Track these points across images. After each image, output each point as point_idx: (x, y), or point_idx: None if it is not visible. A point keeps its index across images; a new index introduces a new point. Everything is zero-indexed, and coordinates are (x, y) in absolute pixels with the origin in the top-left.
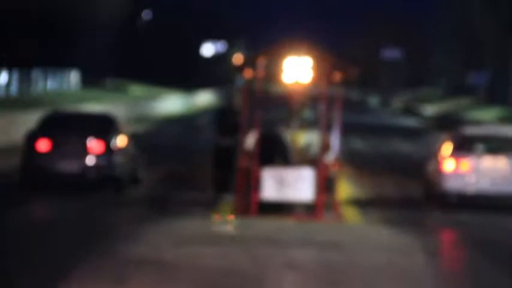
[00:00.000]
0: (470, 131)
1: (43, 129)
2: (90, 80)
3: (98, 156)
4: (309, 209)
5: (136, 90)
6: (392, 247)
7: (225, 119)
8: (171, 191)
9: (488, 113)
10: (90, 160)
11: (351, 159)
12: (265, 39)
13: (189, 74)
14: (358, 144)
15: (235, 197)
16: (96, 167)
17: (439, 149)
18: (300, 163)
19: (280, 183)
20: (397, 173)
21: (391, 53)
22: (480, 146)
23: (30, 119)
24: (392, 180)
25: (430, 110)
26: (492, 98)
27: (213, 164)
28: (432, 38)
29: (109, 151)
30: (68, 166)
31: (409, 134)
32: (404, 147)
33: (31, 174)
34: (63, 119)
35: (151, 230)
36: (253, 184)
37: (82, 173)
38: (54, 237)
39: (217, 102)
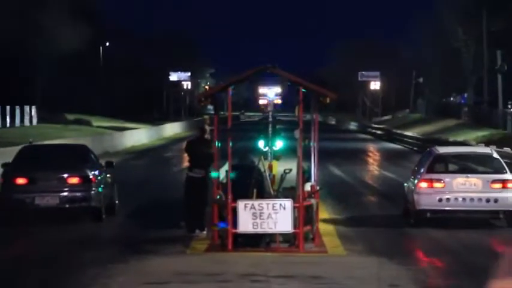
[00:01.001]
0: (442, 150)
1: (20, 162)
2: (50, 116)
3: (75, 189)
4: (289, 241)
5: (100, 123)
6: (377, 279)
7: (196, 150)
8: (141, 227)
9: (472, 135)
10: (67, 193)
11: (331, 187)
12: (237, 64)
13: (154, 106)
14: (336, 170)
15: (209, 232)
16: (73, 199)
17: (414, 168)
18: (277, 193)
19: (257, 215)
20: (379, 197)
21: (370, 75)
22: (453, 165)
23: None
24: (375, 206)
25: (413, 133)
26: (476, 120)
27: (184, 197)
28: (413, 62)
29: (86, 182)
30: (45, 200)
31: (393, 157)
32: (387, 170)
33: (8, 207)
34: (39, 152)
35: (122, 270)
36: (228, 217)
37: (60, 206)
38: (23, 275)
39: (185, 132)
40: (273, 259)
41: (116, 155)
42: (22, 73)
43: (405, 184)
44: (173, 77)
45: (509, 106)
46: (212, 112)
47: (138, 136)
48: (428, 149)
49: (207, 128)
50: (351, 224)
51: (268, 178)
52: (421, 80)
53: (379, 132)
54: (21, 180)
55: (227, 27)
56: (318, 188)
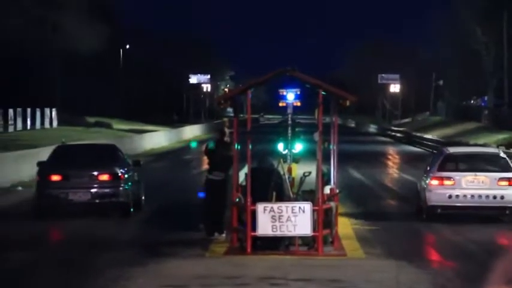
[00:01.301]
0: (452, 150)
1: (54, 161)
2: (70, 118)
3: (105, 185)
4: (308, 244)
5: (120, 126)
6: (396, 283)
7: (216, 152)
8: (160, 230)
9: (492, 138)
10: (97, 189)
11: (350, 190)
12: (256, 66)
13: (173, 109)
14: (356, 173)
15: (228, 235)
16: (103, 195)
17: (426, 167)
18: (297, 196)
19: (276, 218)
20: (398, 200)
21: (390, 77)
22: (462, 164)
23: (9, 158)
24: (394, 209)
25: (433, 135)
26: (497, 122)
27: (204, 200)
28: (433, 64)
29: (115, 179)
30: (78, 195)
31: (412, 160)
32: (407, 173)
33: (44, 202)
34: (72, 151)
35: (141, 273)
36: (248, 220)
37: (91, 201)
38: (43, 276)
39: (205, 135)
40: (292, 262)
41: (136, 158)
42: (42, 75)
43: (418, 183)
44: (193, 79)
45: None
46: (232, 114)
47: (158, 139)
48: (439, 149)
49: (227, 130)
50: (370, 227)
51: (287, 181)
52: (441, 82)
53: (398, 135)
54: (55, 177)
55: (246, 30)
56: (337, 191)
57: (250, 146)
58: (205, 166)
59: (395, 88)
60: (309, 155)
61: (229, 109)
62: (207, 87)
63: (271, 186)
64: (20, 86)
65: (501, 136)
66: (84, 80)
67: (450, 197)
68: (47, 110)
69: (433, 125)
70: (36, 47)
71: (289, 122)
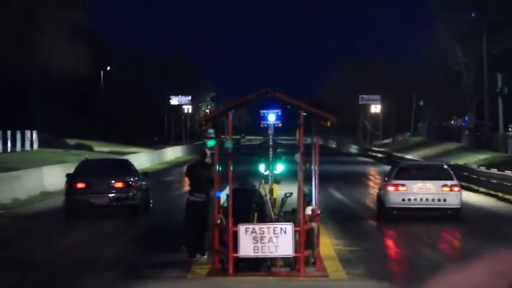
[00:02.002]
0: (406, 163)
1: (79, 172)
2: (51, 140)
3: (120, 191)
4: (290, 265)
5: (101, 148)
6: None
7: (197, 174)
8: (142, 251)
9: (473, 158)
10: (114, 194)
11: (332, 210)
12: (237, 87)
13: (154, 130)
14: (337, 194)
15: (210, 256)
16: (119, 199)
17: (385, 177)
18: (278, 217)
19: (258, 239)
20: (379, 220)
21: (370, 98)
22: (413, 174)
23: None
24: (375, 229)
25: (414, 156)
26: (477, 143)
27: (185, 221)
28: (414, 85)
29: (128, 186)
30: (98, 200)
31: None
32: None
33: (71, 205)
34: (93, 164)
35: None
36: (230, 242)
37: (109, 204)
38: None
39: (187, 156)
40: (274, 283)
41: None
42: (22, 98)
43: (378, 190)
44: (174, 101)
45: (510, 129)
46: (213, 136)
47: (139, 160)
48: (395, 162)
49: (208, 152)
50: (352, 247)
51: (269, 202)
52: (421, 103)
53: (379, 155)
54: (80, 185)
55: (226, 51)
56: (319, 211)
57: (231, 167)
58: (187, 187)
59: (376, 109)
60: (290, 175)
61: (211, 130)
62: (188, 108)
63: (252, 207)
64: (0, 109)
65: (482, 156)
66: (64, 101)
67: (404, 200)
68: (28, 133)
69: (414, 145)
70: (16, 70)
71: (271, 142)
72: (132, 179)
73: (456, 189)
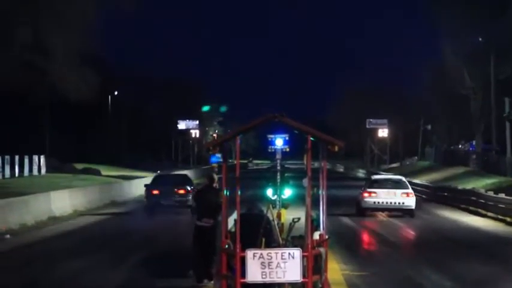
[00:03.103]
0: (376, 177)
1: (154, 182)
2: (58, 165)
3: (181, 196)
4: None
5: (108, 172)
6: None
7: (204, 198)
8: (150, 276)
9: (481, 183)
10: (177, 198)
11: (340, 235)
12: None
13: (162, 155)
14: (345, 218)
15: (218, 282)
16: (180, 201)
17: (362, 187)
18: (286, 242)
19: (266, 264)
20: (387, 245)
21: (378, 122)
22: (381, 184)
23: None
24: (383, 254)
25: (421, 180)
26: (485, 167)
27: (193, 246)
28: (421, 108)
29: (187, 192)
30: (166, 201)
31: None
32: (395, 218)
33: (149, 205)
34: (163, 177)
35: None
36: (237, 267)
37: (174, 205)
38: None
39: (194, 180)
40: None
41: (125, 204)
42: (31, 123)
43: (358, 196)
44: (181, 125)
45: None
46: (220, 160)
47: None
48: (369, 176)
49: (215, 176)
50: (360, 272)
51: (276, 227)
52: (429, 127)
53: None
54: (155, 192)
55: (234, 76)
56: (326, 236)
57: (239, 192)
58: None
59: (383, 133)
60: (298, 200)
61: (218, 155)
62: (195, 133)
63: (260, 232)
64: (9, 133)
65: (489, 181)
66: (72, 126)
67: (374, 202)
68: (36, 157)
69: (422, 169)
70: (26, 95)
71: (278, 167)
72: (189, 188)
73: (411, 195)
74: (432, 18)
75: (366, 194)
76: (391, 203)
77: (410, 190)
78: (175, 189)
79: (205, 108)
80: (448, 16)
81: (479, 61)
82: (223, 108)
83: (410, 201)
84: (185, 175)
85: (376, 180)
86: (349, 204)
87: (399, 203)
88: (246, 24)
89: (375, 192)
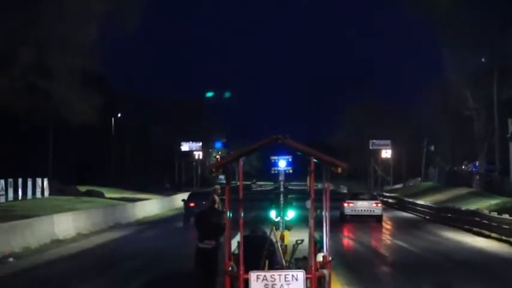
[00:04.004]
0: (355, 191)
1: (190, 197)
2: (62, 188)
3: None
4: None
5: (112, 195)
6: None
7: (206, 220)
8: None
9: (484, 203)
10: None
11: (343, 257)
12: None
13: (165, 176)
14: (349, 240)
15: None
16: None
17: (343, 198)
18: (289, 264)
19: (269, 286)
20: (391, 267)
21: (381, 143)
22: (358, 197)
23: (0, 229)
24: (387, 276)
25: (425, 201)
26: (488, 188)
27: (195, 269)
28: (424, 129)
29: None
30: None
31: (405, 226)
32: (399, 240)
33: (187, 215)
34: (197, 194)
35: None
36: None
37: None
38: None
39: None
40: None
41: (128, 226)
42: (34, 145)
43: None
44: (184, 147)
45: None
46: (224, 182)
47: (150, 207)
48: (349, 191)
49: (217, 198)
50: None
51: (280, 249)
52: (432, 148)
53: (390, 200)
54: (191, 204)
55: (238, 96)
56: (330, 258)
57: (242, 214)
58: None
59: (386, 154)
60: (301, 222)
61: (221, 176)
62: (198, 154)
63: (263, 254)
64: (12, 156)
65: (493, 201)
66: (75, 148)
67: (352, 210)
68: (39, 180)
69: (425, 190)
70: (28, 117)
71: (281, 189)
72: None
73: (379, 205)
74: (435, 38)
75: (346, 204)
76: (364, 210)
77: (378, 201)
78: (205, 202)
79: (209, 94)
80: (451, 37)
81: (482, 82)
82: (227, 94)
83: (378, 210)
84: (211, 192)
85: (354, 194)
86: (352, 225)
87: (370, 211)
88: (247, 44)
89: (352, 203)
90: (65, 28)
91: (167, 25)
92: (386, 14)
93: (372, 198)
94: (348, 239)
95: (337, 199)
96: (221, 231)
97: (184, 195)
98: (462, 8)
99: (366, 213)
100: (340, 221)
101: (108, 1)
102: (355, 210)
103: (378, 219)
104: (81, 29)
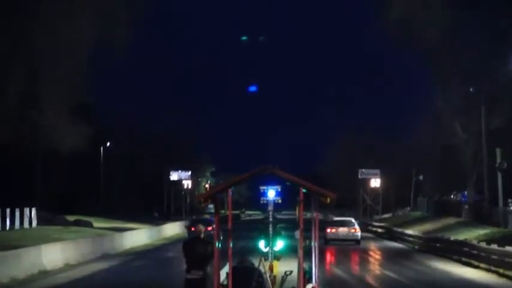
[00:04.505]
0: (335, 219)
1: (192, 221)
2: (50, 217)
3: (207, 231)
4: None
5: (100, 224)
6: None
7: (193, 250)
8: None
9: (473, 233)
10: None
11: (332, 287)
12: (237, 161)
13: (154, 205)
14: (337, 270)
15: None
16: (209, 234)
17: (326, 223)
18: None
19: None
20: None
21: (370, 172)
22: (338, 223)
23: None
24: None
25: (414, 231)
26: (477, 218)
27: None
28: (413, 159)
29: (212, 229)
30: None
31: (394, 256)
32: (389, 270)
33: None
34: (198, 220)
35: None
36: None
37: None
38: None
39: (186, 232)
40: None
41: (117, 257)
42: (22, 175)
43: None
44: (174, 176)
45: (510, 204)
46: (213, 211)
47: (139, 237)
48: (330, 218)
49: (202, 228)
50: None
51: (269, 280)
52: (421, 177)
53: (379, 230)
54: (193, 229)
55: (227, 125)
56: None
57: (231, 244)
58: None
59: (375, 183)
60: (290, 252)
61: (211, 205)
62: (187, 183)
63: (252, 285)
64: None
65: (482, 231)
66: (64, 178)
67: (333, 235)
68: (27, 210)
69: (414, 220)
70: (17, 147)
71: (270, 219)
72: (213, 226)
73: (357, 230)
74: (424, 68)
75: (328, 230)
76: (344, 235)
77: (357, 227)
78: (206, 227)
79: (244, 37)
80: (439, 67)
81: (470, 112)
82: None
83: (357, 235)
84: (211, 219)
85: (335, 221)
86: (341, 255)
87: (350, 235)
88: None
89: (334, 228)
90: (55, 58)
91: (159, 55)
92: (376, 46)
93: (351, 223)
94: (337, 269)
95: (326, 228)
96: (208, 260)
97: (174, 225)
98: (451, 39)
99: (346, 237)
100: (323, 244)
101: (98, 30)
102: (337, 235)
103: (357, 242)
104: (71, 59)
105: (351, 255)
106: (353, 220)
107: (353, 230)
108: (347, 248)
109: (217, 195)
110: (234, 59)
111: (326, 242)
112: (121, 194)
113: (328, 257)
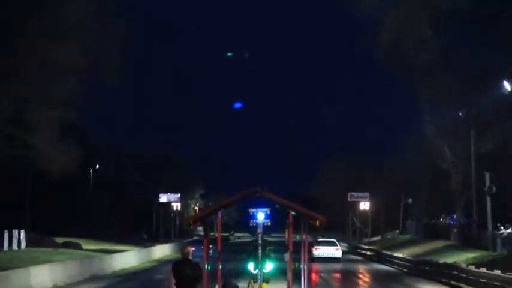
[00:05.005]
0: (320, 239)
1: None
2: (39, 239)
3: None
4: None
5: (89, 246)
6: None
7: (181, 272)
8: None
9: (462, 257)
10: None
11: None
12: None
13: (143, 227)
14: None
15: None
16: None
17: (313, 243)
18: None
19: None
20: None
21: (359, 195)
22: (323, 244)
23: None
24: None
25: (403, 254)
26: (466, 241)
27: None
28: (402, 182)
29: (208, 249)
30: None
31: (383, 279)
32: None
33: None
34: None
35: None
36: None
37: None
38: None
39: (176, 254)
40: None
41: (105, 278)
42: (10, 196)
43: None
44: (163, 198)
45: (499, 228)
46: (202, 233)
47: (128, 258)
48: (316, 238)
49: (190, 249)
50: None
51: None
52: (410, 200)
53: (369, 253)
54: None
55: (216, 147)
56: None
57: (220, 266)
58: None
59: (365, 206)
60: (279, 274)
61: (200, 228)
62: (177, 205)
63: None
64: None
65: (470, 255)
66: (53, 200)
67: (319, 253)
68: (15, 232)
69: (403, 243)
70: (5, 168)
71: (260, 241)
72: (210, 246)
73: (339, 249)
74: (412, 92)
75: (314, 249)
76: (328, 254)
77: (338, 247)
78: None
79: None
80: (428, 91)
81: (459, 135)
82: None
83: (338, 253)
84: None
85: (320, 241)
86: (330, 277)
87: (332, 254)
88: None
89: (319, 248)
90: (45, 80)
91: (147, 78)
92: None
93: (334, 243)
94: None
95: (311, 247)
96: (196, 282)
97: (163, 247)
98: (439, 63)
99: (328, 255)
100: (309, 261)
101: (88, 53)
102: (321, 254)
103: (338, 260)
104: (61, 81)
105: (340, 278)
106: (335, 241)
107: (335, 250)
108: (336, 270)
109: (206, 218)
110: (223, 78)
111: (312, 260)
112: (110, 216)
113: (317, 280)
